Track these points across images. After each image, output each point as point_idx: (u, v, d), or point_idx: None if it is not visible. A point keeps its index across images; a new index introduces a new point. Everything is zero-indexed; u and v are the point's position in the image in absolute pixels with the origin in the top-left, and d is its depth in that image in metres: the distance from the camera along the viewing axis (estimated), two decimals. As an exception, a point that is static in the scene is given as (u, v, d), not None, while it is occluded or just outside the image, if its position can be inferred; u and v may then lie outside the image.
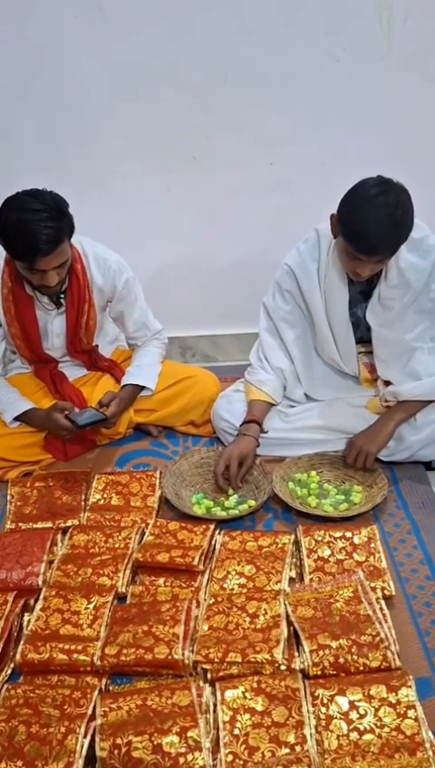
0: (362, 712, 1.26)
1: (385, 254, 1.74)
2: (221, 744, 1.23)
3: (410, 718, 1.24)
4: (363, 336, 2.04)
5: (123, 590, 1.62)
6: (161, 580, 1.66)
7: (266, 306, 2.11)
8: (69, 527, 1.85)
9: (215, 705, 1.29)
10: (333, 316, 2.00)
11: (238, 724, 1.25)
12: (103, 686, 1.39)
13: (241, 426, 2.06)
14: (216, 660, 1.39)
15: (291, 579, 1.64)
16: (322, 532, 1.75)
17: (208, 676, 1.39)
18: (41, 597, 1.58)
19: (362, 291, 1.97)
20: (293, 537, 1.75)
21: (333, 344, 2.05)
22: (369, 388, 2.13)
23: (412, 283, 1.87)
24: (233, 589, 1.61)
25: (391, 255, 1.76)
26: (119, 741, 1.22)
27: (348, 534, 1.73)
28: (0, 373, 2.21)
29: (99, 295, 2.13)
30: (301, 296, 2.04)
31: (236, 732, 1.24)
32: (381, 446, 1.95)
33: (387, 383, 2.02)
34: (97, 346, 2.27)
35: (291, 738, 1.22)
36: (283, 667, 1.37)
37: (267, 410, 2.11)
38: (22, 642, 1.46)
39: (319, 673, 1.36)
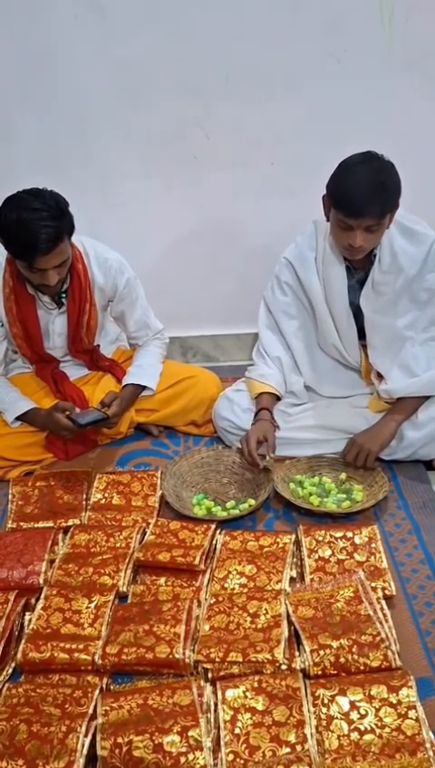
0: (362, 712, 1.26)
1: (373, 216, 1.73)
2: (222, 743, 1.23)
3: (411, 718, 1.24)
4: (364, 327, 2.04)
5: (124, 589, 1.62)
6: (162, 580, 1.66)
7: (266, 299, 2.13)
8: (70, 526, 1.85)
9: (216, 705, 1.29)
10: (333, 304, 2.01)
11: (239, 724, 1.25)
12: (104, 686, 1.39)
13: (254, 416, 2.05)
14: (217, 660, 1.39)
15: (292, 578, 1.64)
16: (322, 531, 1.75)
17: (209, 675, 1.39)
18: (42, 596, 1.58)
19: (359, 280, 1.98)
20: (293, 537, 1.76)
21: (335, 332, 2.06)
22: (371, 384, 2.12)
23: (405, 268, 1.89)
24: (234, 588, 1.61)
25: (378, 220, 1.75)
26: (120, 740, 1.22)
27: (349, 534, 1.73)
28: (1, 373, 2.21)
29: (100, 295, 2.13)
30: (300, 288, 2.06)
31: (237, 731, 1.24)
32: (383, 446, 1.96)
33: (380, 377, 2.01)
34: (98, 346, 2.27)
35: (292, 737, 1.23)
36: (283, 667, 1.38)
37: (274, 402, 2.10)
38: (23, 641, 1.46)
39: (320, 673, 1.36)
